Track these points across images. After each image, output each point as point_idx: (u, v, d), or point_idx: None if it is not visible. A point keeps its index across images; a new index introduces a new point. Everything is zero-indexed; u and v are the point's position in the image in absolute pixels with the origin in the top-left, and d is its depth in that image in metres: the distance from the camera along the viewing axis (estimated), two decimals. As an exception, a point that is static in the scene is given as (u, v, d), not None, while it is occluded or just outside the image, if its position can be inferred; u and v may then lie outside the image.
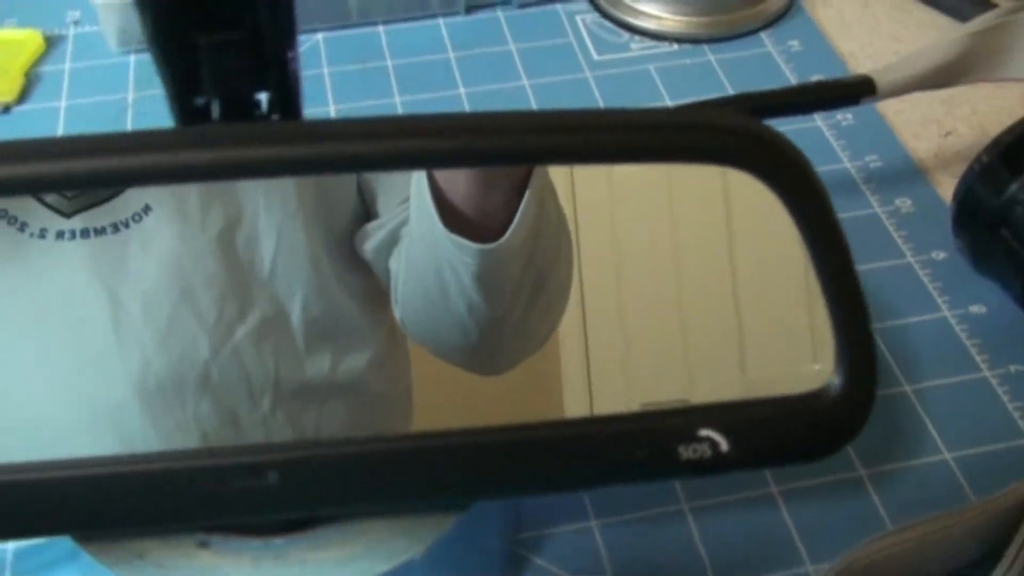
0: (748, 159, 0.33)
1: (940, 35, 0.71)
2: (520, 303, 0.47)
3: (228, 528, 0.44)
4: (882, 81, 0.64)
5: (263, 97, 0.43)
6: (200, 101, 0.42)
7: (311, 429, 0.52)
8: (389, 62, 0.79)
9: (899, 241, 0.66)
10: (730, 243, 0.57)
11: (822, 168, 0.45)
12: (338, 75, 0.79)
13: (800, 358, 0.53)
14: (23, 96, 0.77)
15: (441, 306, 0.47)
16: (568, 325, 0.52)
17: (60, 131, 0.75)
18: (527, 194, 0.43)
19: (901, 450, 0.56)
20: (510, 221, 0.43)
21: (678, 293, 0.57)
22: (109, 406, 0.49)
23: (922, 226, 0.67)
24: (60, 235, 0.50)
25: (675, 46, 0.80)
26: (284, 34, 0.43)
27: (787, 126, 0.40)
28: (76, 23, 0.83)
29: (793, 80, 0.76)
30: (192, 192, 0.51)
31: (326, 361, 0.52)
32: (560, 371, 0.56)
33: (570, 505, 0.54)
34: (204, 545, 0.43)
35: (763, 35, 0.80)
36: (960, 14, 0.78)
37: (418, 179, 0.45)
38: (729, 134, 0.34)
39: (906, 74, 0.65)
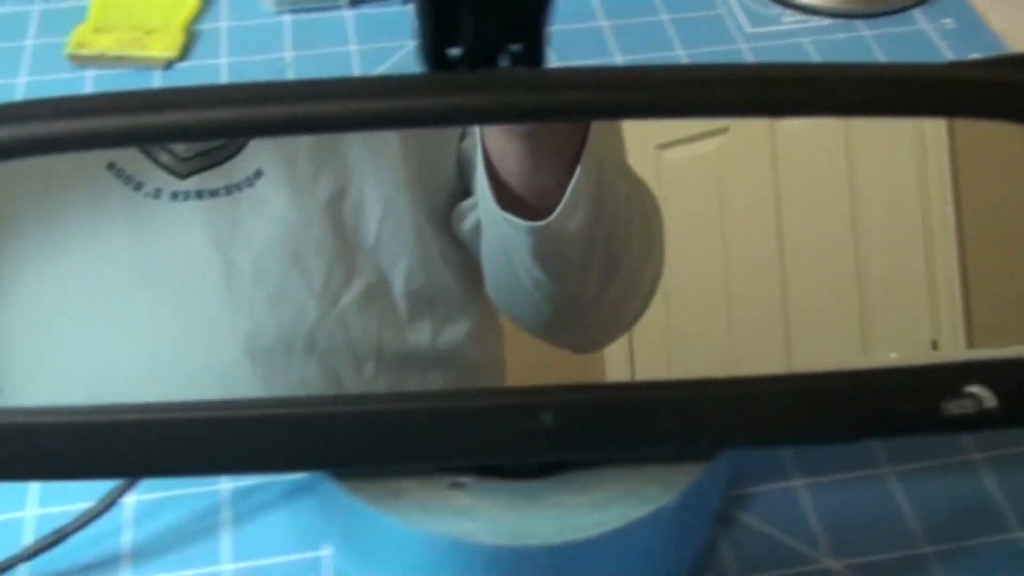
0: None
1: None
2: (590, 282, 0.47)
3: (480, 470, 0.44)
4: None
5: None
6: (453, 52, 0.43)
7: None
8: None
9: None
10: (853, 220, 0.57)
11: None
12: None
13: (919, 336, 0.54)
14: (184, 53, 0.78)
15: (512, 282, 0.48)
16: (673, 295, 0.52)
17: (223, 87, 0.75)
18: (577, 172, 0.43)
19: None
20: None
21: (792, 269, 0.57)
22: (220, 366, 0.50)
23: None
24: (174, 196, 0.51)
25: (827, 20, 0.80)
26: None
27: None
28: (229, -18, 0.84)
29: (950, 58, 0.77)
30: (302, 159, 0.52)
31: (427, 330, 0.52)
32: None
33: (773, 464, 0.54)
34: (457, 486, 0.44)
35: (916, 12, 0.81)
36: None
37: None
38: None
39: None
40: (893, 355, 0.54)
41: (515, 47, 0.44)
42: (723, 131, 0.54)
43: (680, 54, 0.77)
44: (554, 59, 0.79)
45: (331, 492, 0.46)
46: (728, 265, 0.54)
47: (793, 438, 0.43)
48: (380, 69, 0.77)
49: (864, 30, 0.79)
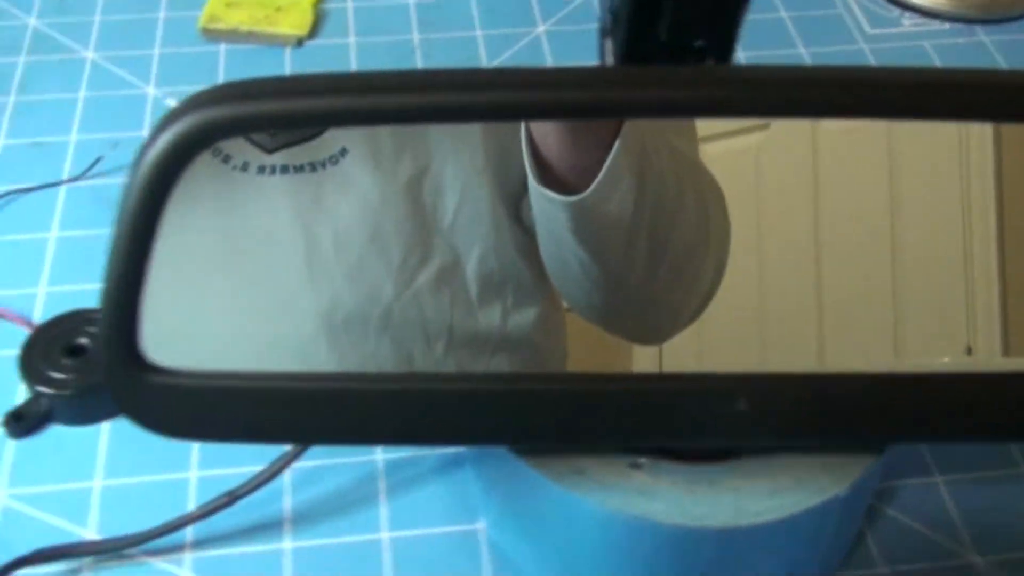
0: None
1: None
2: (637, 266, 0.48)
3: (658, 452, 0.46)
4: None
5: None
6: (646, 46, 0.45)
7: None
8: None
9: None
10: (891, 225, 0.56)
11: None
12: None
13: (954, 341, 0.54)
14: (313, 31, 0.79)
15: (560, 262, 0.48)
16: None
17: (353, 66, 0.77)
18: (614, 151, 0.43)
19: None
20: None
21: (827, 268, 0.56)
22: (298, 339, 0.51)
23: None
24: (261, 169, 0.52)
25: (946, 24, 0.81)
26: (751, -17, 0.45)
27: None
28: (352, -37, 0.85)
29: (1070, 65, 0.77)
30: (386, 140, 0.53)
31: (497, 314, 0.53)
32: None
33: (915, 460, 0.56)
34: (636, 466, 0.45)
35: (1035, 19, 0.81)
36: None
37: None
38: None
39: None
40: (946, 359, 0.54)
41: (700, 42, 0.46)
42: (764, 127, 0.54)
43: (802, 52, 0.78)
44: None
45: (503, 467, 0.48)
46: (763, 261, 0.54)
47: (979, 434, 0.44)
48: (506, 55, 0.78)
49: (983, 35, 0.80)
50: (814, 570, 0.50)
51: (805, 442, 0.45)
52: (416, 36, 0.79)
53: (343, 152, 0.53)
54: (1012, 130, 0.53)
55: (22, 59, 0.76)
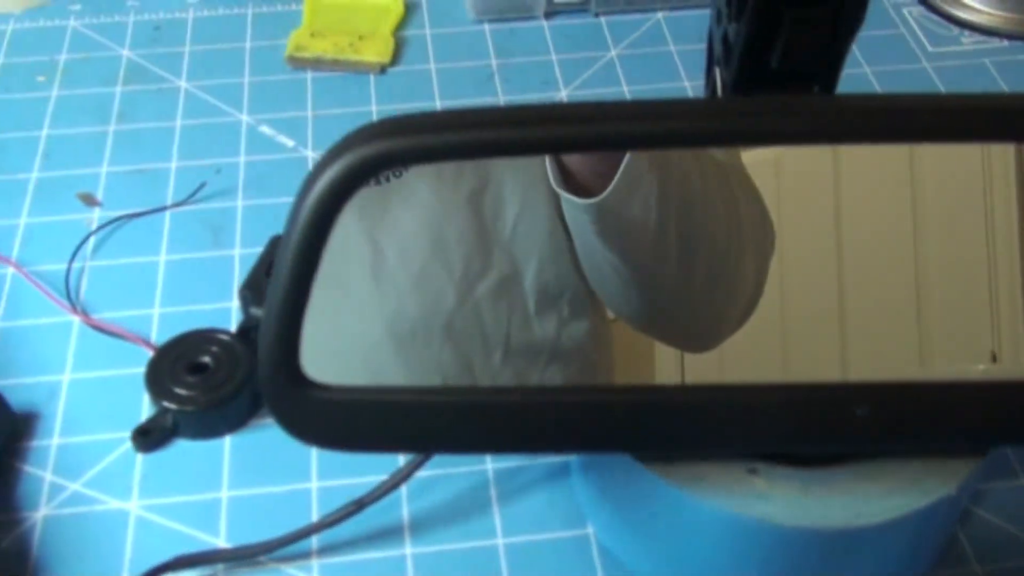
0: None
1: None
2: (668, 269, 0.49)
3: (773, 457, 0.48)
4: None
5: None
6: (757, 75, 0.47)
7: None
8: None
9: None
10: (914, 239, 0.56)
11: None
12: (684, 53, 0.83)
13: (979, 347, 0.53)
14: (395, 58, 0.82)
15: (596, 268, 0.50)
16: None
17: (435, 92, 0.80)
18: (628, 157, 0.45)
19: None
20: None
21: (849, 276, 0.56)
22: (364, 344, 0.54)
23: None
24: None
25: (1005, 42, 0.84)
26: (858, 15, 0.48)
27: None
28: (425, -9, 0.89)
29: None
30: None
31: (552, 325, 0.56)
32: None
33: (1002, 462, 0.58)
34: (753, 472, 0.48)
35: (1092, 36, 0.84)
36: None
37: None
38: None
39: None
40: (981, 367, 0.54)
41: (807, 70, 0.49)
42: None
43: (867, 71, 0.81)
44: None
45: (619, 475, 0.51)
46: (784, 270, 0.53)
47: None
48: (582, 77, 0.81)
49: (1042, 53, 0.83)
50: (915, 569, 0.52)
51: (919, 446, 0.47)
52: (494, 61, 0.82)
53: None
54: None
55: (118, 89, 0.80)
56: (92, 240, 0.69)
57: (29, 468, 0.58)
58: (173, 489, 0.57)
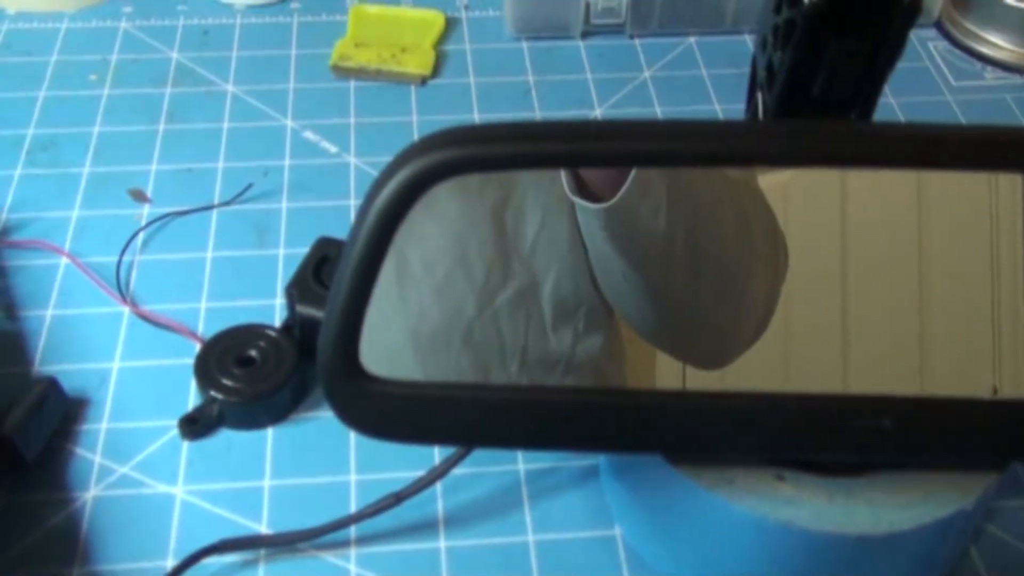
0: None
1: None
2: (676, 280, 0.51)
3: (800, 465, 0.51)
4: None
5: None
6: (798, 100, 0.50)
7: None
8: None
9: None
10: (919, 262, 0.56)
11: None
12: (715, 77, 0.86)
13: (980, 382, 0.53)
14: (436, 71, 0.85)
15: (609, 277, 0.52)
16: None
17: (474, 105, 0.82)
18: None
19: None
20: None
21: (853, 305, 0.55)
22: (387, 348, 0.54)
23: None
24: None
25: (1026, 79, 0.86)
26: (898, 48, 0.50)
27: None
28: (466, 7, 0.91)
29: None
30: None
31: (568, 338, 0.57)
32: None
33: (1013, 480, 0.60)
34: (780, 478, 0.50)
35: (1113, 76, 0.86)
36: None
37: None
38: None
39: None
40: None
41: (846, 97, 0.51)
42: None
43: (893, 102, 0.84)
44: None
45: (649, 477, 0.53)
46: (789, 293, 0.53)
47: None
48: (616, 97, 0.83)
49: (1062, 90, 0.85)
50: (929, 579, 0.55)
51: (940, 460, 0.49)
52: (531, 78, 0.85)
53: None
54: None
55: (168, 90, 0.82)
56: (142, 235, 0.71)
57: (80, 451, 0.60)
58: (217, 476, 0.60)
